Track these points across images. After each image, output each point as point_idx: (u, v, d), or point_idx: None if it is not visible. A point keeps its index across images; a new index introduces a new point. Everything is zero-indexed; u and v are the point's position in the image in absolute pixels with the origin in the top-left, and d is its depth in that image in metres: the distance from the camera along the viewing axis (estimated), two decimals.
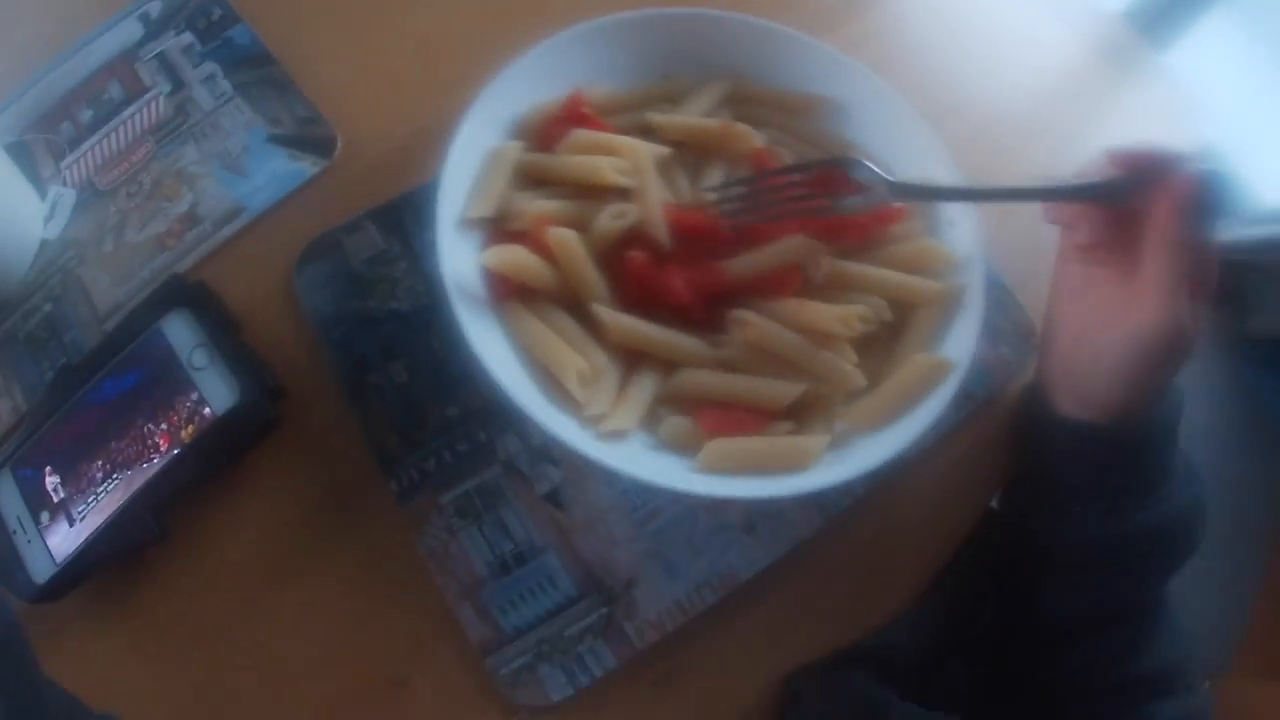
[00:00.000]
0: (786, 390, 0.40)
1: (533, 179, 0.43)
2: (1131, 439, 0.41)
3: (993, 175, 0.53)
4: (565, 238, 0.39)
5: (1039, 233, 0.45)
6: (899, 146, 0.47)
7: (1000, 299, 0.48)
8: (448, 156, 0.41)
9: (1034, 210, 0.53)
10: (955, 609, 0.48)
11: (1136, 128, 0.57)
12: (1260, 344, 0.94)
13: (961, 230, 0.45)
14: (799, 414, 0.41)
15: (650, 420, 0.40)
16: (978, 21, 0.58)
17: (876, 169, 0.41)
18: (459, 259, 0.40)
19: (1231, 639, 0.86)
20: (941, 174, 0.46)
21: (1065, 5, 0.60)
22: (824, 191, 0.42)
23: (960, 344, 0.42)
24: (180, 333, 0.43)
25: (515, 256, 0.39)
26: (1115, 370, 0.39)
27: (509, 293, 0.40)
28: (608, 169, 0.41)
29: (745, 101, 0.47)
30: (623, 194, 0.42)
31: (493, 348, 0.39)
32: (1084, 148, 0.57)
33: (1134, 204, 0.38)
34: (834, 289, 0.42)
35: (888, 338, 0.43)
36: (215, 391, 0.41)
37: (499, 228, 0.41)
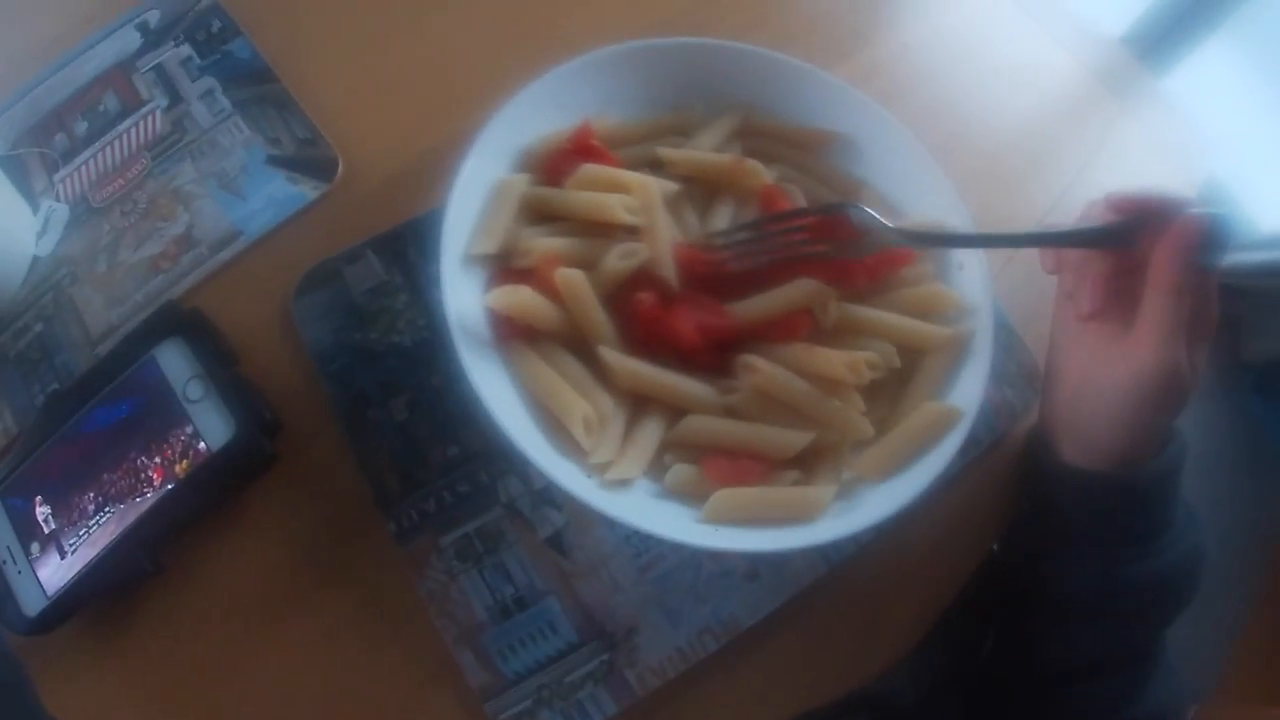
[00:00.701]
0: (794, 439, 0.39)
1: (539, 213, 0.41)
2: (1134, 487, 0.40)
3: (998, 208, 0.53)
4: (573, 279, 0.38)
5: (1043, 273, 0.44)
6: (907, 184, 0.45)
7: (1005, 340, 0.47)
8: (452, 189, 0.39)
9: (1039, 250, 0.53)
10: (954, 651, 0.47)
11: (1137, 154, 0.57)
12: (1255, 369, 0.94)
13: (971, 274, 0.43)
14: (806, 462, 0.40)
15: (655, 467, 0.38)
16: (981, 50, 0.56)
17: (875, 215, 0.40)
18: (463, 296, 0.38)
19: (1218, 662, 0.86)
20: (948, 211, 0.44)
21: (1066, 31, 0.59)
22: (825, 237, 0.40)
23: (969, 391, 0.41)
24: (175, 362, 0.41)
25: (521, 298, 0.37)
26: (1116, 416, 0.38)
27: (513, 333, 0.38)
28: (617, 207, 0.39)
29: (756, 135, 0.45)
30: (631, 231, 0.40)
31: (496, 389, 0.37)
32: (1087, 176, 0.57)
33: (1132, 249, 0.37)
34: (842, 334, 0.41)
35: (895, 384, 0.42)
36: (211, 426, 0.40)
37: (504, 264, 0.40)
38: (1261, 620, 0.92)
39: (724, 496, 0.37)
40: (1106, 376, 0.38)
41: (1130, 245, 0.37)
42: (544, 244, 0.39)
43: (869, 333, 0.41)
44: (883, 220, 0.40)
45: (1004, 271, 0.48)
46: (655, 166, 0.43)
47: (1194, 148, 0.58)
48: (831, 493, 0.38)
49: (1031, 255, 0.50)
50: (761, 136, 0.45)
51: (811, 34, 0.52)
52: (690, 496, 0.38)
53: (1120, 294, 0.38)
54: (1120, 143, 0.56)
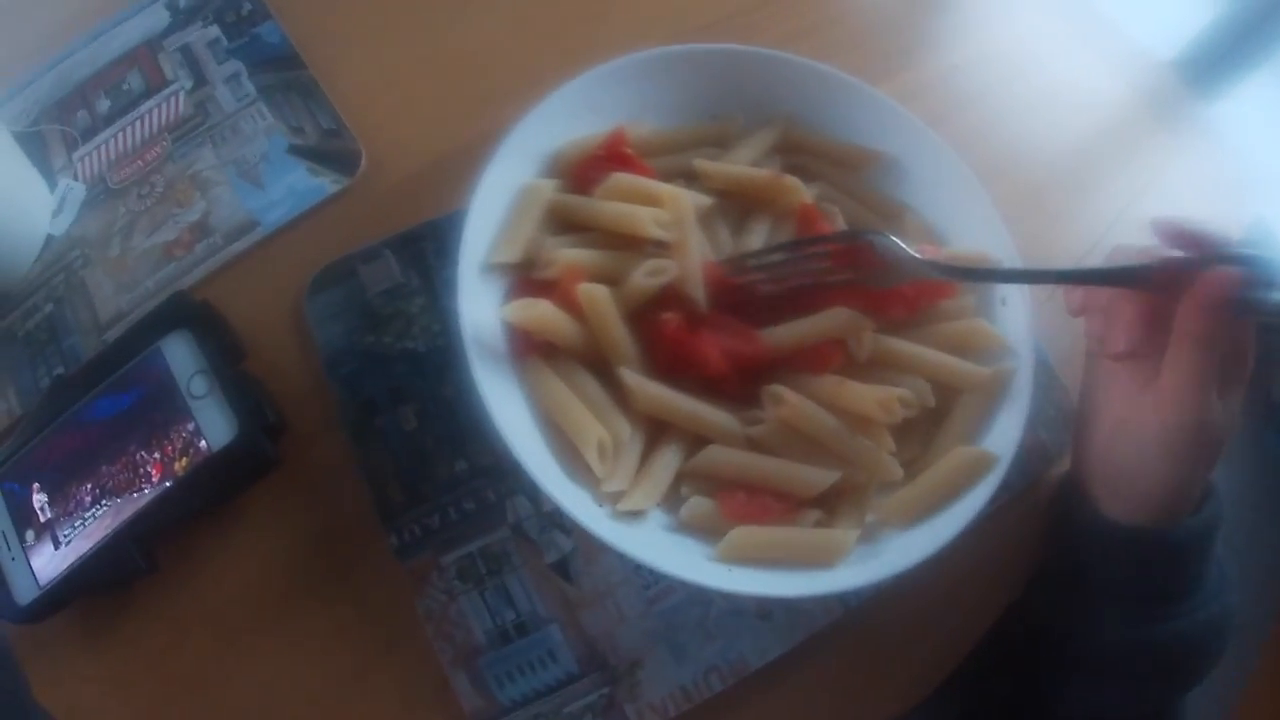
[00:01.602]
0: (819, 478, 0.36)
1: (565, 222, 0.38)
2: (1169, 544, 0.37)
3: (1044, 238, 0.49)
4: (597, 296, 0.35)
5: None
6: (952, 211, 0.42)
7: (1043, 380, 0.43)
8: (476, 193, 0.36)
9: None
10: (970, 701, 0.44)
11: (1185, 187, 0.53)
12: None
13: (1014, 311, 0.40)
14: (829, 502, 0.37)
15: (670, 497, 0.36)
16: (1030, 72, 0.53)
17: (902, 245, 0.36)
18: (480, 306, 0.35)
19: (1225, 706, 0.83)
20: (993, 242, 0.41)
21: (1116, 55, 0.55)
22: (852, 264, 0.37)
23: (1005, 436, 0.38)
24: (180, 356, 0.39)
25: (541, 313, 0.34)
26: (1150, 469, 0.35)
27: (530, 348, 0.35)
28: (647, 221, 0.36)
29: (795, 150, 0.42)
30: (660, 246, 0.37)
31: (507, 406, 0.34)
32: (1134, 210, 0.53)
33: (1165, 291, 0.33)
34: (876, 367, 0.38)
35: (928, 423, 0.39)
36: (213, 424, 0.37)
37: (525, 273, 0.37)
38: (1274, 666, 0.88)
39: (741, 535, 0.35)
40: (1138, 428, 0.35)
41: (1161, 289, 0.34)
42: (568, 255, 0.36)
43: (904, 368, 0.38)
44: (910, 251, 0.36)
45: (1045, 308, 0.45)
46: (689, 178, 0.40)
47: (1242, 182, 0.54)
48: (854, 537, 0.35)
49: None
50: (802, 152, 0.42)
51: (857, 49, 0.48)
52: (705, 532, 0.35)
53: (1154, 333, 0.34)
54: (1168, 173, 0.52)
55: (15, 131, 0.47)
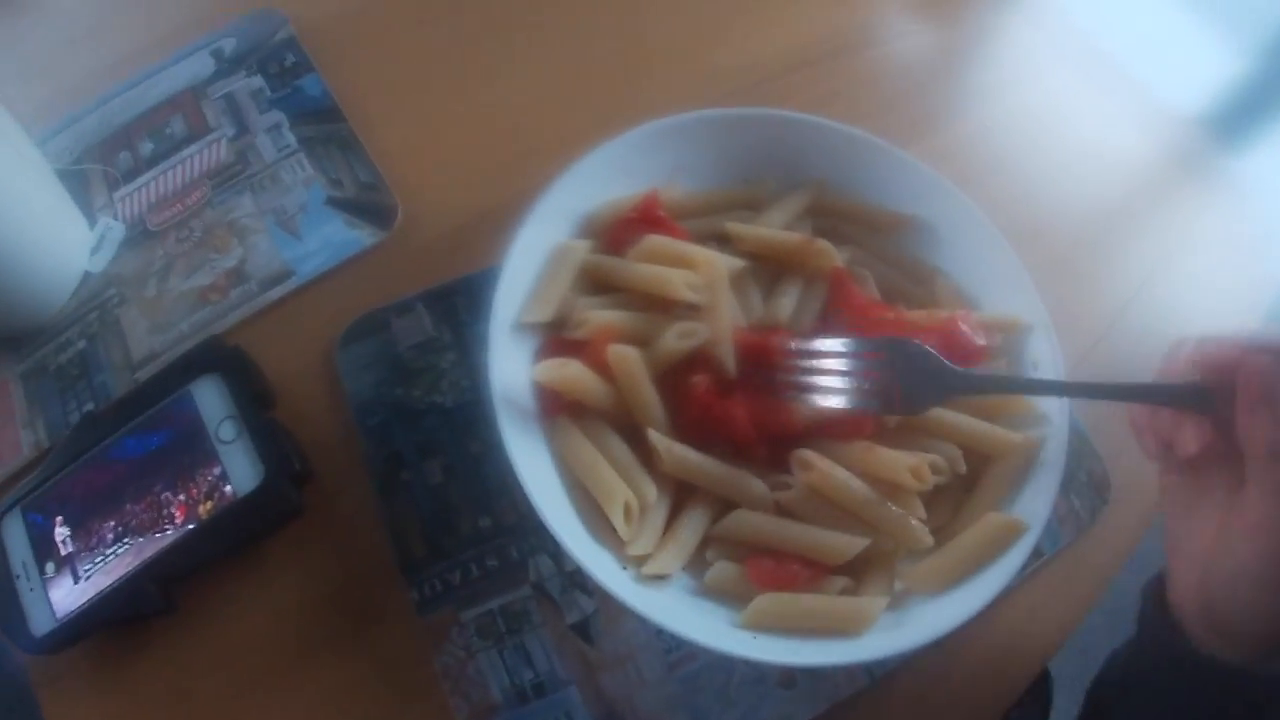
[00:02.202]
0: (848, 545, 0.35)
1: (597, 282, 0.38)
2: (1266, 683, 0.32)
3: (1074, 300, 0.48)
4: (627, 357, 0.34)
5: (1120, 373, 0.40)
6: (984, 274, 0.42)
7: (1075, 446, 0.43)
8: (510, 252, 0.36)
9: (1116, 348, 0.48)
10: None
11: (1215, 246, 0.52)
12: None
13: (1045, 376, 0.39)
14: (856, 569, 0.36)
15: (695, 561, 0.35)
16: (1056, 132, 0.53)
17: (940, 357, 0.35)
18: (510, 364, 0.35)
19: None
20: (1025, 306, 0.40)
21: (1143, 113, 0.55)
22: (883, 380, 0.35)
23: (1036, 504, 0.37)
24: (211, 400, 0.39)
25: (571, 373, 0.34)
26: (1249, 601, 0.30)
27: (559, 407, 0.35)
28: (679, 284, 0.36)
29: (827, 214, 0.42)
30: (691, 309, 0.37)
31: (534, 465, 0.34)
32: (1163, 272, 0.53)
33: (1221, 410, 0.30)
34: (906, 433, 0.37)
35: (958, 489, 0.38)
36: (239, 470, 0.37)
37: (556, 332, 0.37)
38: None
39: (767, 602, 0.34)
40: (1231, 559, 0.30)
41: (1218, 407, 0.30)
42: (599, 316, 0.35)
43: (934, 433, 0.37)
44: (951, 365, 0.35)
45: (1077, 371, 0.44)
46: (722, 241, 0.40)
47: (1271, 238, 0.53)
48: (882, 605, 0.34)
49: (1109, 352, 0.46)
50: (833, 215, 0.42)
51: (887, 112, 0.48)
52: (730, 597, 0.34)
53: (1224, 445, 0.31)
54: (1197, 231, 0.52)
55: (58, 168, 0.47)
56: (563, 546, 0.32)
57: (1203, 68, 0.62)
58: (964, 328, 0.39)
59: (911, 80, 0.52)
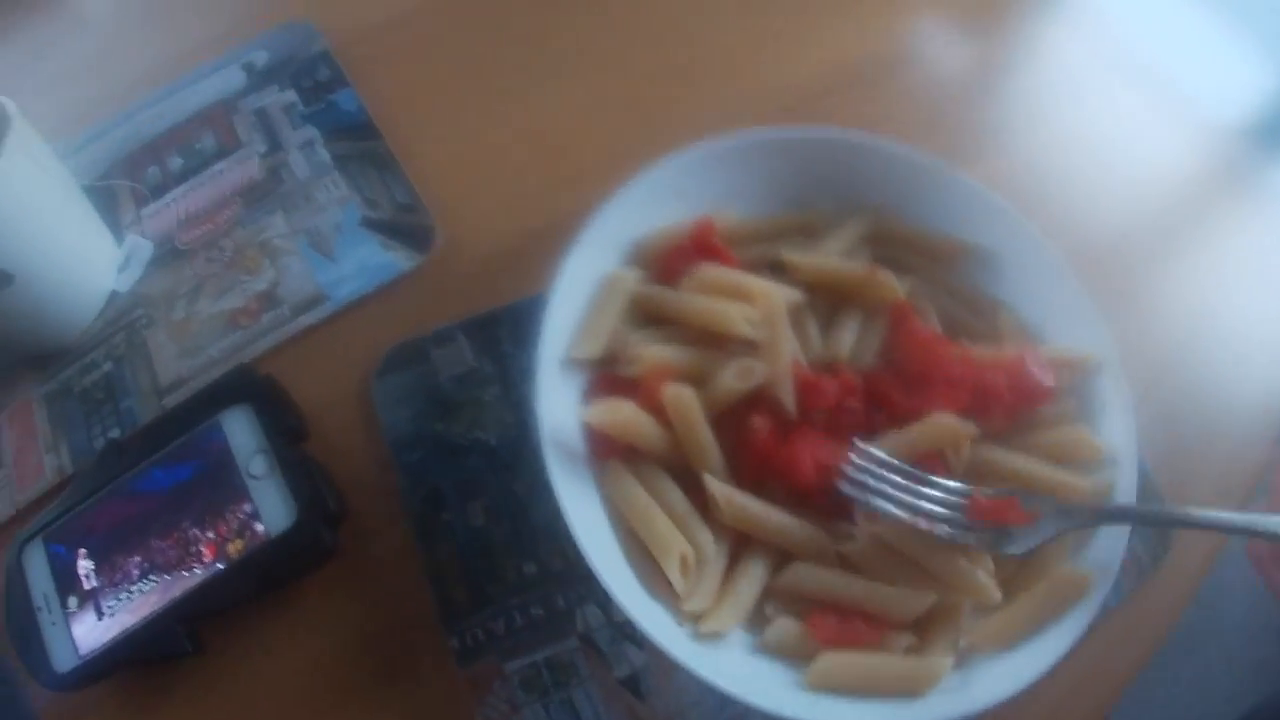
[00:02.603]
0: (915, 602, 0.32)
1: (648, 314, 0.35)
2: None
3: (1135, 331, 0.45)
4: (683, 399, 0.32)
5: (1185, 410, 0.38)
6: (1046, 302, 0.39)
7: (1140, 485, 0.40)
8: (557, 283, 0.34)
9: (1181, 381, 0.45)
10: None
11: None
12: None
13: (1114, 418, 0.37)
14: (920, 624, 0.33)
15: (754, 616, 0.33)
16: (1110, 153, 0.49)
17: (1051, 499, 0.33)
18: (558, 401, 0.33)
19: None
20: (1090, 334, 0.38)
21: (1196, 131, 0.51)
22: (985, 519, 0.33)
23: (1105, 555, 0.34)
24: (241, 432, 0.36)
25: (625, 417, 0.32)
26: None
27: (610, 450, 0.33)
28: (738, 319, 0.33)
29: (886, 241, 0.39)
30: (748, 344, 0.35)
31: (585, 512, 0.31)
32: (1227, 290, 0.49)
33: None
34: (973, 478, 0.35)
35: None
36: (271, 508, 0.35)
37: (605, 367, 0.34)
38: None
39: (831, 663, 0.31)
40: None
41: None
42: (653, 353, 0.33)
43: (1003, 478, 0.35)
44: (1060, 504, 0.33)
45: (1141, 410, 0.41)
46: (776, 269, 0.38)
47: None
48: (948, 665, 0.32)
49: (1172, 389, 0.44)
50: (892, 243, 0.39)
51: (936, 133, 0.46)
52: (791, 655, 0.32)
53: None
54: (1261, 257, 0.48)
55: (84, 184, 0.45)
56: (616, 602, 0.30)
57: (1257, 82, 0.59)
58: (1032, 367, 0.37)
59: (960, 99, 0.49)
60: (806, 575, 0.33)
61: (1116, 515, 0.34)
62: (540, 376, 0.32)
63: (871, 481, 0.33)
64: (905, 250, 0.40)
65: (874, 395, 0.36)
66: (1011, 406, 0.36)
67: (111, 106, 0.48)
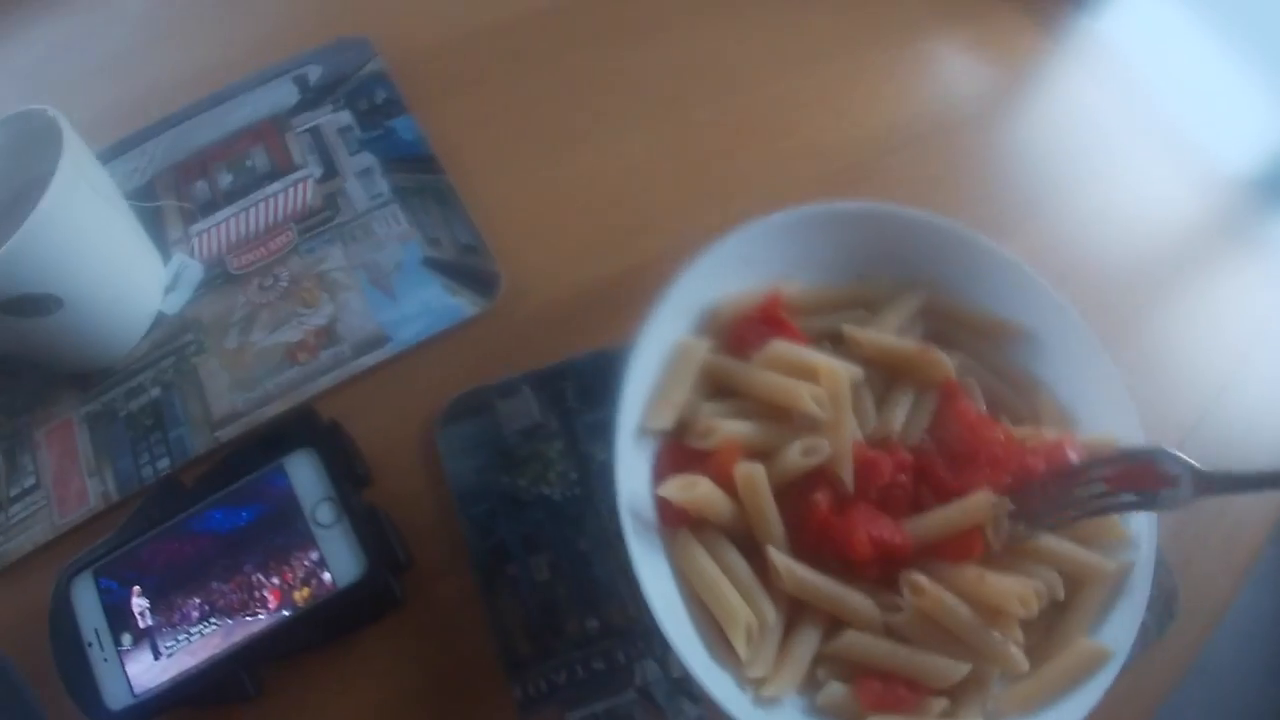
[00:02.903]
0: (953, 670, 0.34)
1: (718, 385, 0.36)
2: None
3: (1158, 399, 0.46)
4: (755, 477, 0.33)
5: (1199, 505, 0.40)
6: (1082, 385, 0.41)
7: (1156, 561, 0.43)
8: (633, 355, 0.34)
9: (1198, 451, 0.48)
10: None
11: None
12: None
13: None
14: (954, 690, 0.35)
15: (806, 679, 0.34)
16: (1157, 225, 0.51)
17: (1186, 459, 0.34)
18: (632, 470, 0.34)
19: None
20: (1121, 420, 0.40)
21: (1244, 223, 0.53)
22: (1126, 486, 0.35)
23: (1122, 630, 0.37)
24: (306, 478, 0.36)
25: (702, 493, 0.32)
26: None
27: (680, 520, 0.34)
28: (806, 398, 0.34)
29: (939, 317, 0.41)
30: (812, 419, 0.36)
31: (657, 579, 0.33)
32: (1244, 364, 0.51)
33: None
34: (1009, 555, 0.37)
35: (1049, 612, 0.38)
36: (339, 558, 0.35)
37: (676, 437, 0.35)
38: None
39: None
40: None
41: None
42: (727, 429, 0.34)
43: (1035, 558, 0.37)
44: (1193, 463, 0.34)
45: None
46: (835, 340, 0.39)
47: None
48: None
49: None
50: (944, 318, 0.41)
51: (987, 201, 0.47)
52: (839, 717, 0.34)
53: None
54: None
55: (127, 190, 0.44)
56: (686, 667, 0.31)
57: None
58: (1070, 453, 0.39)
59: (1013, 166, 0.50)
60: (857, 643, 0.34)
61: (1241, 483, 0.35)
62: (618, 447, 0.33)
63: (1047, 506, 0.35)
64: (955, 326, 0.42)
65: (921, 471, 0.37)
66: (1050, 490, 0.38)
67: (152, 107, 0.46)
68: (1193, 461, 0.34)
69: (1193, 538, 0.44)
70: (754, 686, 0.33)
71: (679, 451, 0.35)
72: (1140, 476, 0.34)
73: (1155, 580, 0.43)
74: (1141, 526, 0.39)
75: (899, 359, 0.39)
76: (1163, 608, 0.43)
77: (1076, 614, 0.38)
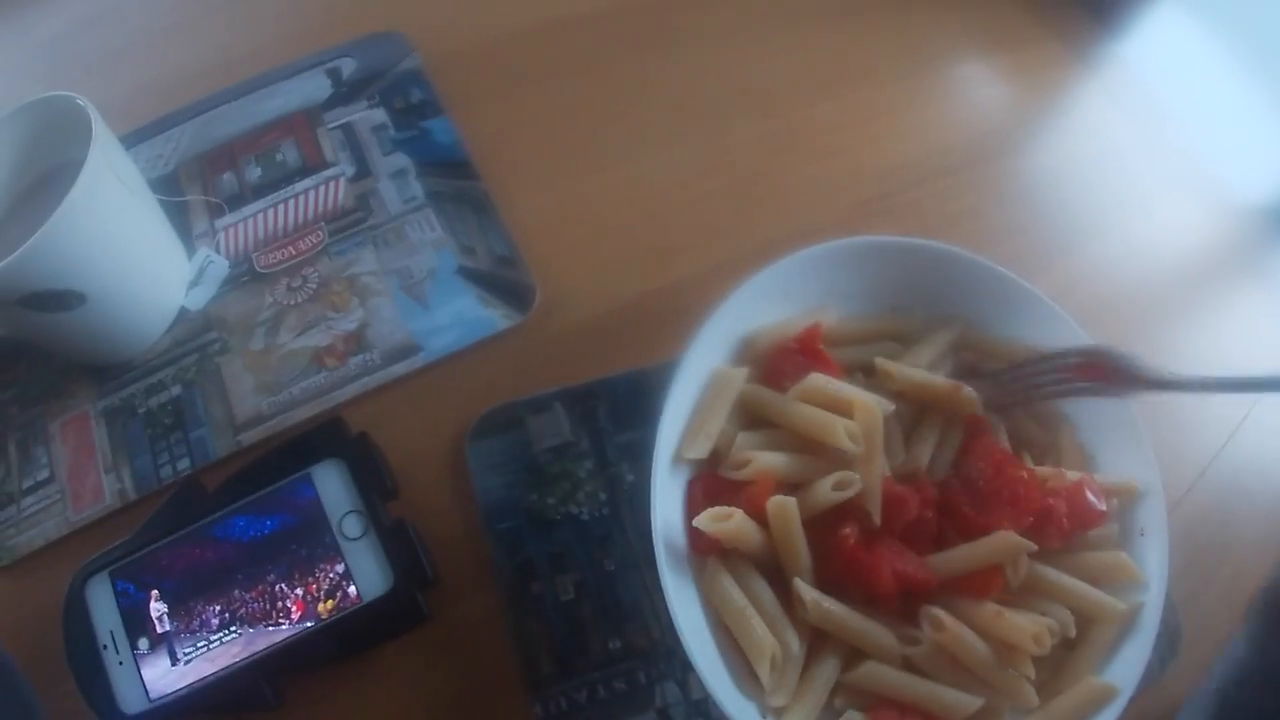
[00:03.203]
0: (966, 704, 0.34)
1: (754, 415, 0.36)
2: None
3: (1170, 440, 0.45)
4: (787, 511, 0.33)
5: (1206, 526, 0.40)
6: (1103, 423, 0.41)
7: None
8: (673, 386, 0.34)
9: (1202, 501, 0.48)
10: None
11: None
12: None
13: (1151, 542, 0.40)
14: None
15: (825, 710, 0.35)
16: (1175, 266, 0.52)
17: (1141, 359, 0.37)
18: (666, 497, 0.34)
19: None
20: (1138, 463, 0.40)
21: (1264, 256, 0.54)
22: (1089, 378, 0.38)
23: (1128, 670, 0.38)
24: (333, 489, 0.36)
25: (736, 525, 0.33)
26: None
27: (709, 548, 0.34)
28: (841, 433, 0.34)
29: (970, 350, 0.41)
30: (844, 455, 0.36)
31: (686, 607, 0.33)
32: (1257, 408, 0.52)
33: None
34: (1024, 593, 0.37)
35: (1060, 649, 0.38)
36: (366, 572, 0.35)
37: (709, 465, 0.35)
38: None
39: None
40: None
41: None
42: (762, 461, 0.34)
43: (1050, 596, 0.37)
44: (1151, 366, 0.37)
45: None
46: (867, 372, 0.39)
47: None
48: None
49: (1195, 505, 0.47)
50: (973, 351, 0.41)
51: (1017, 235, 0.47)
52: None
53: None
54: None
55: (150, 179, 0.42)
56: (712, 696, 0.31)
57: None
58: (1089, 494, 0.39)
59: (1043, 202, 0.50)
60: (876, 674, 0.35)
61: (1197, 385, 0.36)
62: (656, 477, 0.33)
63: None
64: (983, 359, 0.42)
65: (946, 506, 0.38)
66: (1068, 531, 0.39)
67: (178, 94, 0.45)
68: (1146, 362, 0.36)
69: (1198, 577, 0.45)
70: (775, 714, 0.34)
71: (712, 481, 0.35)
72: (1095, 370, 0.37)
73: (1161, 617, 0.45)
74: (1153, 569, 0.40)
75: (931, 395, 0.39)
76: (1166, 645, 0.44)
77: (1085, 653, 0.38)
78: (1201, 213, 0.53)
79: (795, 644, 0.34)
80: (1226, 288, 0.52)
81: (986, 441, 0.39)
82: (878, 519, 0.35)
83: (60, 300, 0.36)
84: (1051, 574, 0.38)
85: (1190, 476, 0.47)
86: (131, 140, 0.44)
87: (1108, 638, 0.39)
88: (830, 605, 0.34)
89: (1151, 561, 0.40)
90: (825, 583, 0.35)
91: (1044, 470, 0.40)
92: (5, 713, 0.36)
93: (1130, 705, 0.42)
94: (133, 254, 0.38)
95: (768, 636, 0.33)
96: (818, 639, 0.36)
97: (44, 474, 0.39)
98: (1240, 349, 0.51)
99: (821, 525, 0.36)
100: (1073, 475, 0.39)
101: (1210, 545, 0.46)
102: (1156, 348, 0.49)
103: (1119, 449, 0.41)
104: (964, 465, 0.40)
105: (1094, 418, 0.42)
